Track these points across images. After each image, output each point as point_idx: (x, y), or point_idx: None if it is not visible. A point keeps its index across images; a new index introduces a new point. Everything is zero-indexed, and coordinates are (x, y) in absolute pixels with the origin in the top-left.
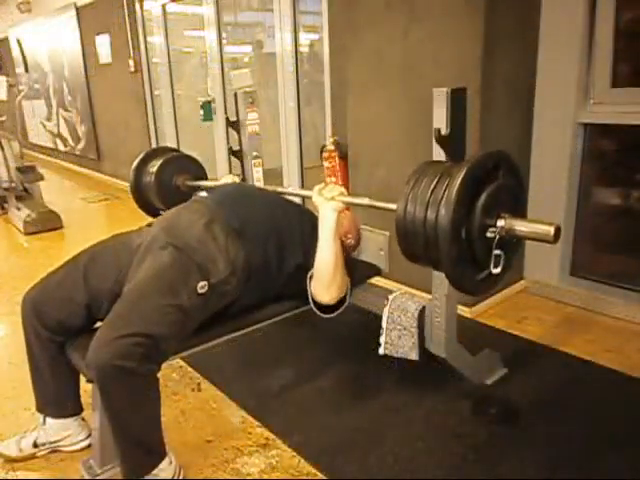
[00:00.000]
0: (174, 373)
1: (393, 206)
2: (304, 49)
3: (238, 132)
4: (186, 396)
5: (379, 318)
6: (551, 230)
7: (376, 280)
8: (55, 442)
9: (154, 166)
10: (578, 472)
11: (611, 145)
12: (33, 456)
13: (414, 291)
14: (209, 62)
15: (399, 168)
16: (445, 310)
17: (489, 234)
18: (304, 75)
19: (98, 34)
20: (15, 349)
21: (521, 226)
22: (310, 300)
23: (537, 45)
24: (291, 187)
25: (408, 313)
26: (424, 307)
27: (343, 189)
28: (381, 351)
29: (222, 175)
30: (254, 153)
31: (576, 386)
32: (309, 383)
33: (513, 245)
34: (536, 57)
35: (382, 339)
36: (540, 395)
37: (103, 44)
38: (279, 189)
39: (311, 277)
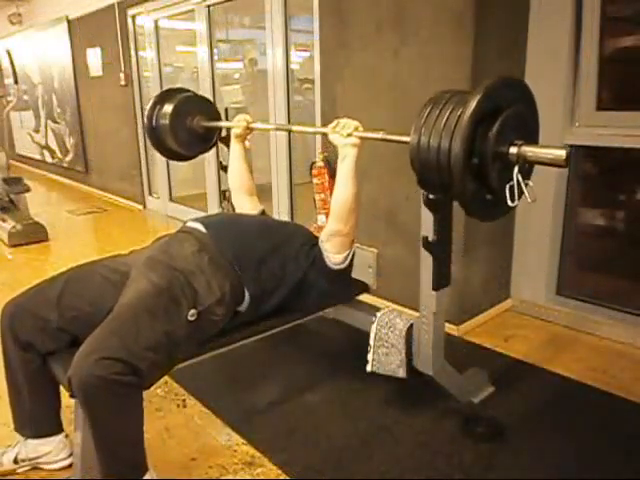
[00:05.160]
0: (159, 389)
1: (407, 138)
2: (295, 66)
3: (229, 147)
4: (171, 412)
5: (367, 335)
6: (563, 154)
7: (364, 297)
8: (34, 459)
9: (168, 108)
10: None
11: (596, 166)
12: (13, 472)
13: (402, 308)
14: (200, 77)
15: (389, 186)
16: (433, 328)
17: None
18: (294, 92)
19: (89, 47)
20: None
21: (534, 152)
22: (325, 257)
23: (525, 67)
24: (301, 126)
25: (396, 330)
26: (412, 324)
27: (357, 123)
28: (368, 368)
29: (213, 188)
30: None
31: (561, 404)
32: (296, 400)
33: (525, 170)
34: (523, 79)
35: (369, 356)
36: (526, 413)
37: (94, 57)
38: (294, 128)
39: (322, 240)
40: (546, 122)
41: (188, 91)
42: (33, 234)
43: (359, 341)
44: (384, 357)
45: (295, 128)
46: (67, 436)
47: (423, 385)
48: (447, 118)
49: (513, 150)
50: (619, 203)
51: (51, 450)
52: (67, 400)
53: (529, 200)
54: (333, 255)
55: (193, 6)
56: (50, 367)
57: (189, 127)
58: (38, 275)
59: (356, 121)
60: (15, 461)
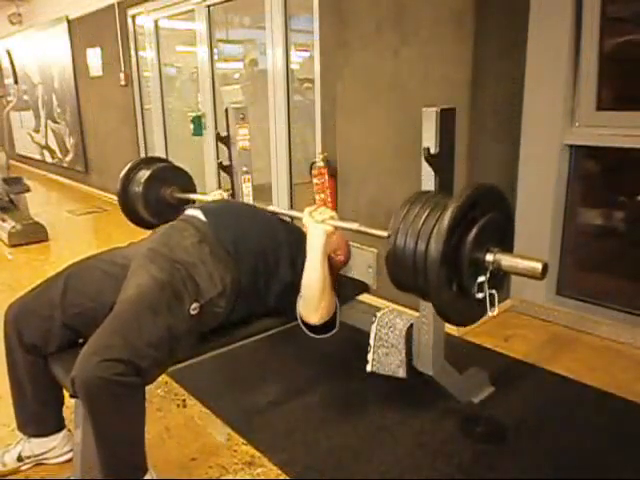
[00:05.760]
0: (159, 389)
1: (384, 234)
2: (295, 66)
3: (228, 147)
4: (171, 412)
5: (367, 335)
6: (539, 266)
7: (364, 297)
8: (40, 455)
9: (142, 176)
10: None
11: (596, 166)
12: (17, 470)
13: (402, 308)
14: (200, 77)
15: (388, 186)
16: (433, 328)
17: (479, 268)
18: (294, 92)
19: (89, 47)
20: None
21: (509, 261)
22: (299, 320)
23: (525, 67)
24: (279, 207)
25: (396, 330)
26: (412, 325)
27: (334, 213)
28: (368, 368)
29: (211, 190)
30: (244, 168)
31: (561, 404)
32: (296, 400)
33: (499, 278)
34: (523, 79)
35: (369, 356)
36: (526, 413)
37: (94, 57)
38: (270, 208)
39: (300, 297)
40: (546, 122)
41: (166, 161)
42: (33, 234)
43: (359, 341)
44: (384, 357)
45: (272, 208)
46: (69, 430)
47: (423, 385)
48: (424, 221)
49: (489, 257)
50: (619, 203)
51: (56, 445)
52: (67, 400)
53: (490, 314)
54: (305, 316)
55: (193, 6)
56: (51, 368)
57: (162, 197)
58: (38, 275)
59: (333, 211)
60: (19, 459)
